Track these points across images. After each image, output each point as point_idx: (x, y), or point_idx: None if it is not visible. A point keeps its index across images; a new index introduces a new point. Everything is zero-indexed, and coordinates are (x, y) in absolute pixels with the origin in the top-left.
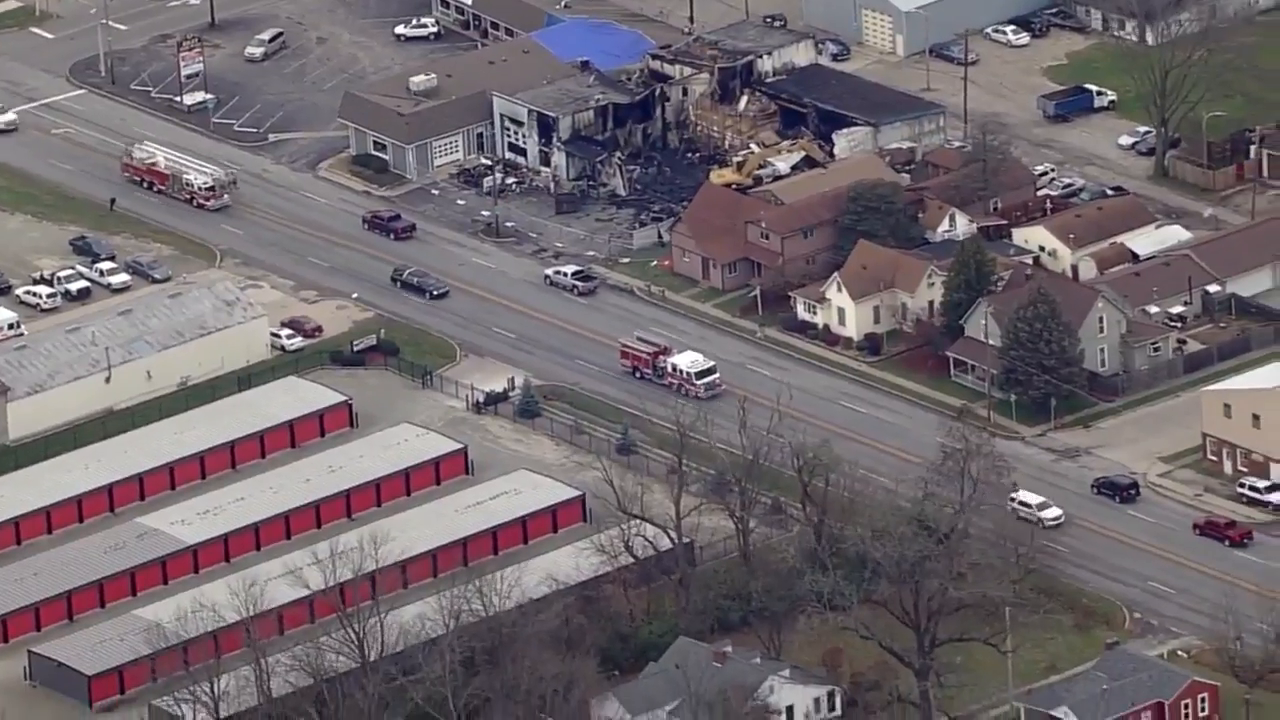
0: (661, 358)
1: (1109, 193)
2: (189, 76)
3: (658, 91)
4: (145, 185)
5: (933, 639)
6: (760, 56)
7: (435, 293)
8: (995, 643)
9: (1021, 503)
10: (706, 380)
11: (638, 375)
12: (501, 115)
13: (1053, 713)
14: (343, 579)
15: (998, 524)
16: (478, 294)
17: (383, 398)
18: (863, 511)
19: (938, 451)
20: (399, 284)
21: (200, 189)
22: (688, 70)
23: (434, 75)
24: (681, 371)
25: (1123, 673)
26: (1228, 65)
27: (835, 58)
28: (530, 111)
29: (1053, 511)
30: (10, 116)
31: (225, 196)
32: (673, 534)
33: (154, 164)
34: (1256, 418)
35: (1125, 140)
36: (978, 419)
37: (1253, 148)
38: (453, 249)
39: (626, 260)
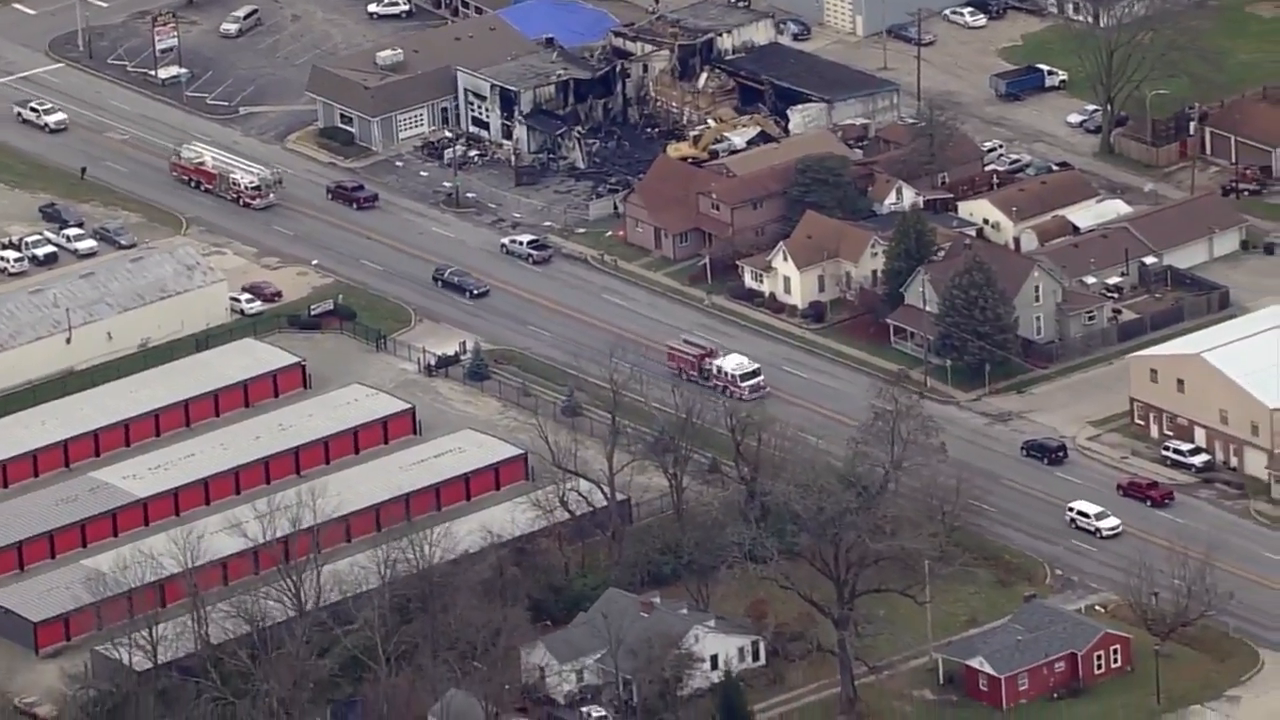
0: (707, 360)
1: (1054, 168)
2: (164, 51)
3: (618, 68)
4: (193, 185)
5: (852, 590)
6: (720, 35)
7: (475, 292)
8: (913, 594)
9: (1080, 513)
10: (751, 382)
11: (684, 377)
12: (465, 90)
13: (969, 662)
14: (283, 532)
15: (925, 483)
16: (436, 262)
17: (337, 360)
18: (793, 469)
19: (869, 412)
20: (439, 283)
21: (246, 188)
22: (649, 47)
23: (400, 50)
24: (726, 374)
25: (1038, 625)
26: (1172, 45)
27: (796, 37)
28: (493, 86)
29: (1110, 521)
30: (60, 116)
31: (271, 196)
32: (606, 489)
33: (201, 164)
34: (1181, 383)
35: (1074, 118)
36: (914, 384)
37: (1192, 124)
38: (413, 219)
39: (582, 230)
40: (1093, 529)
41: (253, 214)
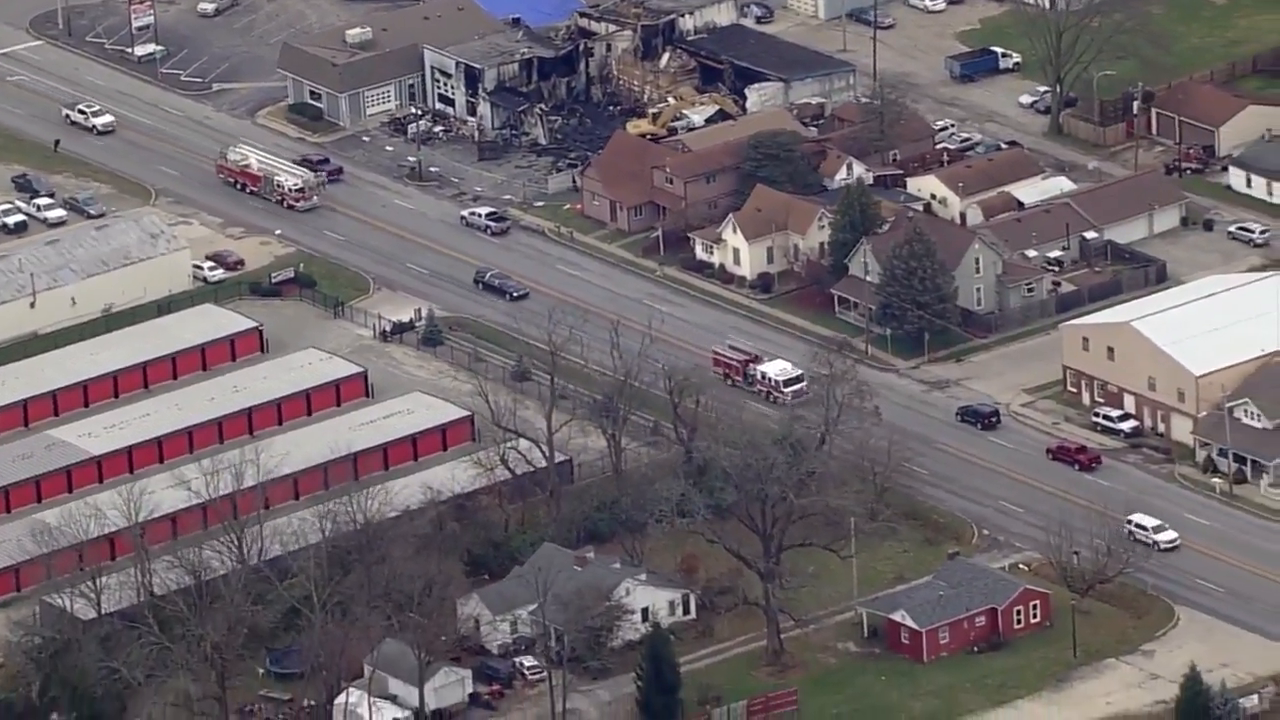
0: (751, 365)
1: (1002, 147)
2: (140, 29)
3: (582, 47)
4: (238, 187)
5: (779, 546)
6: (683, 15)
7: (515, 294)
8: (837, 549)
9: (1138, 525)
10: (794, 388)
11: (729, 382)
12: (432, 67)
13: (891, 616)
14: (227, 489)
15: (857, 445)
16: (396, 233)
17: (296, 326)
18: (724, 428)
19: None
20: (480, 285)
21: (290, 190)
22: (612, 27)
23: (369, 29)
24: (770, 379)
25: (960, 581)
26: (1118, 27)
27: (760, 20)
28: (458, 64)
29: (1168, 535)
30: (108, 119)
31: (314, 198)
32: (545, 448)
33: (247, 166)
34: (1111, 351)
35: (1025, 99)
36: (856, 352)
37: (1135, 104)
38: (377, 191)
39: (541, 204)
40: (1150, 541)
41: (219, 186)
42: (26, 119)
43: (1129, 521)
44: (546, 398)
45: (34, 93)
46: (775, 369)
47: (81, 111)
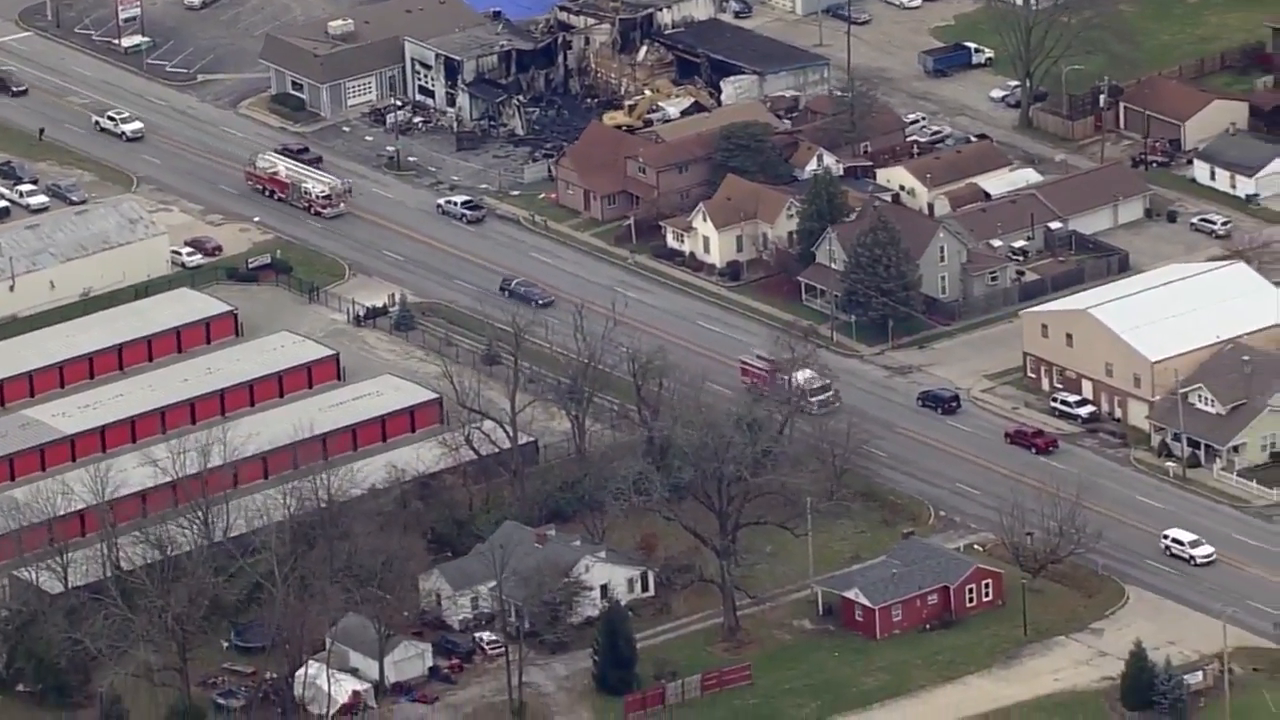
0: (778, 374)
1: (972, 140)
2: (127, 20)
3: (560, 40)
4: (267, 193)
5: (735, 524)
6: (661, 9)
7: (540, 302)
8: (791, 527)
9: (1174, 540)
10: (821, 397)
11: (758, 391)
12: (412, 59)
13: (845, 594)
14: (199, 469)
15: (815, 427)
16: (373, 220)
17: (271, 310)
18: (682, 408)
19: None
20: (506, 293)
21: (317, 197)
22: (591, 21)
23: (351, 21)
24: (796, 387)
25: (914, 560)
26: (1086, 23)
27: (738, 15)
28: (437, 56)
29: (1204, 550)
30: (137, 125)
31: (341, 205)
32: (508, 428)
33: (275, 173)
34: (1070, 337)
35: (996, 93)
36: (821, 338)
37: (1102, 98)
38: (355, 180)
39: (517, 193)
40: (1187, 556)
41: (199, 172)
42: (14, 108)
43: (1165, 536)
44: (514, 380)
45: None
46: (802, 378)
47: (111, 118)
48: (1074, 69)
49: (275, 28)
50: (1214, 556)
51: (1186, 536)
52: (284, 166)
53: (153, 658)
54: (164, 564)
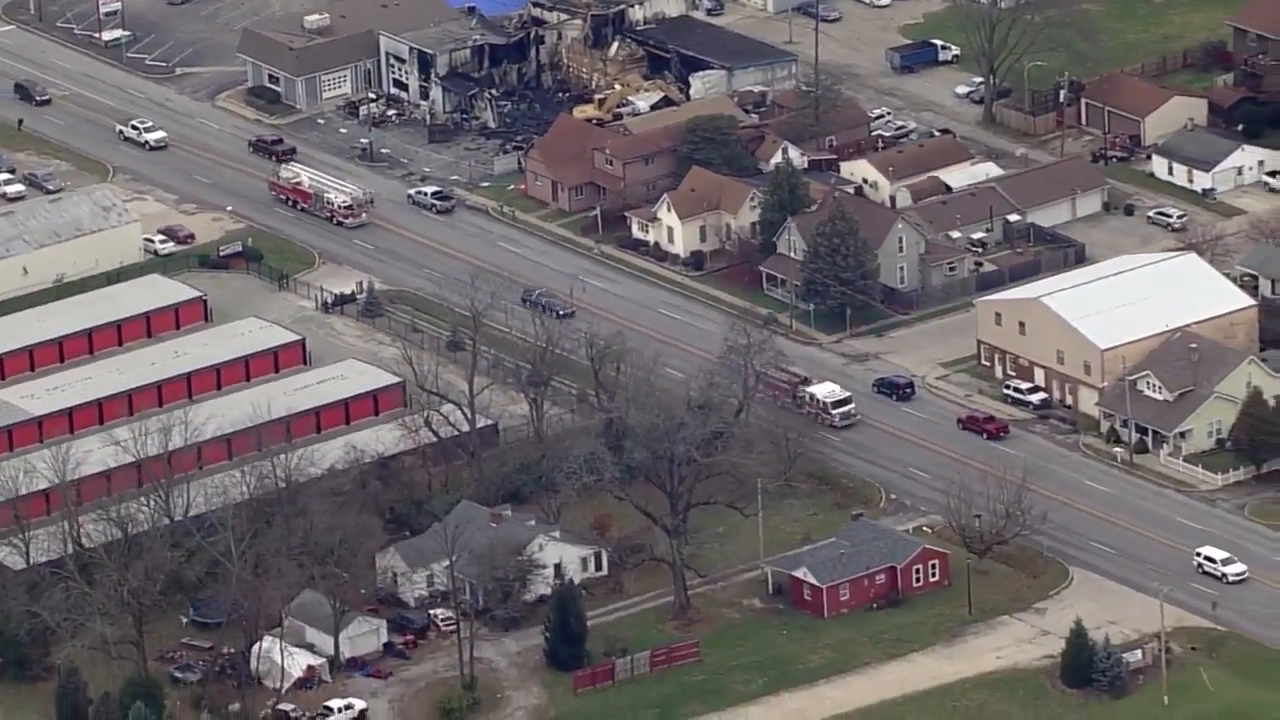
0: (801, 388)
1: (935, 134)
2: (108, 15)
3: (532, 34)
4: (290, 204)
5: (687, 504)
6: (632, 6)
7: (561, 313)
8: (740, 507)
9: (1207, 558)
10: (842, 410)
11: (779, 404)
12: (387, 53)
13: (794, 573)
14: (162, 450)
15: (771, 411)
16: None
17: (241, 297)
18: (634, 390)
19: (724, 345)
20: (527, 304)
21: (340, 207)
22: (563, 16)
23: (327, 15)
24: (818, 401)
25: (862, 541)
26: (1049, 21)
27: (710, 12)
28: (411, 50)
29: (1236, 567)
30: (160, 134)
31: (363, 215)
32: (466, 410)
33: (298, 184)
34: (1022, 325)
35: (961, 89)
36: (781, 327)
37: (1062, 93)
38: (328, 170)
39: (486, 184)
40: (1219, 574)
41: (174, 163)
42: None
43: (1197, 554)
44: (480, 367)
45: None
46: (823, 391)
47: (135, 128)
48: (1036, 65)
49: (255, 23)
50: (1246, 574)
51: (1219, 554)
52: (307, 177)
53: (109, 631)
54: (124, 541)
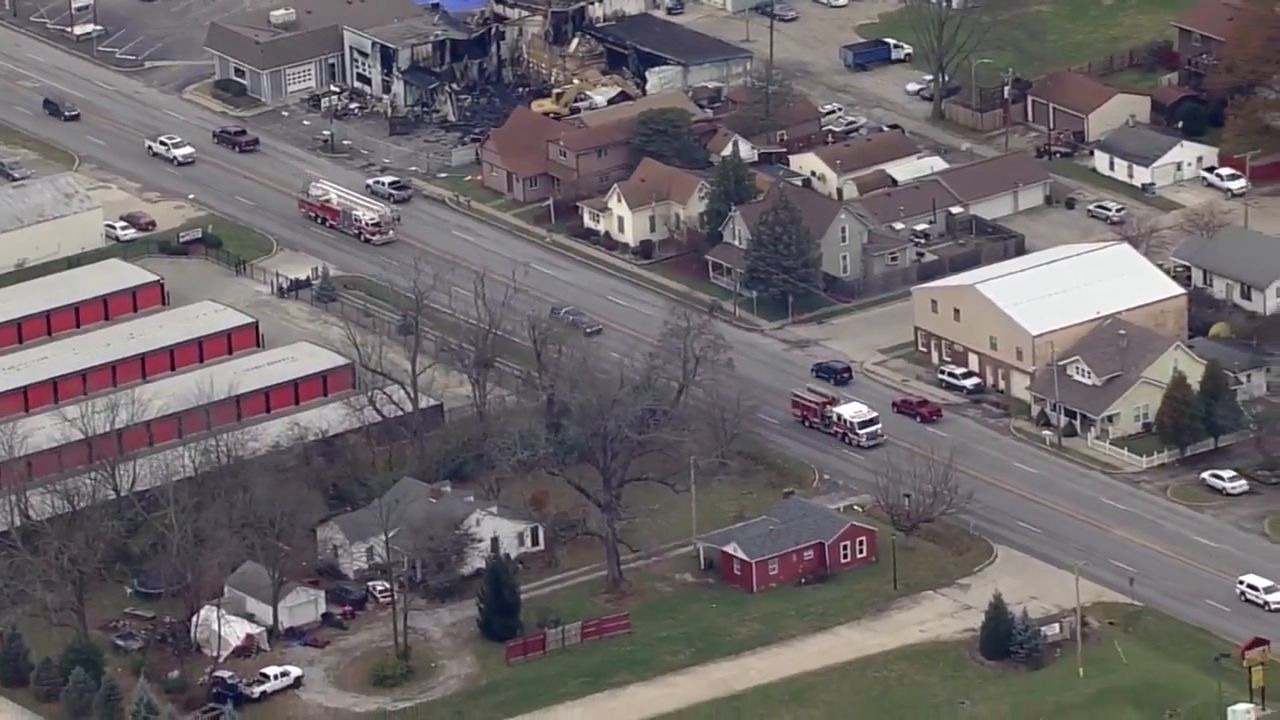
0: (828, 408)
1: (884, 129)
2: (80, 9)
3: (494, 30)
4: (319, 221)
5: (620, 480)
6: (593, 3)
7: (589, 330)
8: (672, 483)
9: (1250, 586)
10: (869, 430)
11: (806, 424)
12: (351, 47)
13: (724, 549)
14: (109, 428)
15: (709, 393)
16: (302, 199)
17: (199, 282)
18: (568, 368)
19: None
20: (555, 322)
21: (367, 224)
22: (524, 13)
23: (293, 10)
24: (845, 421)
25: (792, 518)
26: (997, 20)
27: (670, 11)
28: (374, 44)
29: (1278, 596)
30: (188, 150)
31: (390, 232)
32: (409, 389)
33: (327, 201)
34: (957, 312)
35: (912, 87)
36: (726, 313)
37: (1006, 89)
38: (290, 161)
39: (444, 175)
40: (1261, 602)
41: (139, 153)
42: None
43: (1240, 581)
44: (427, 349)
45: None
46: (851, 411)
47: (163, 143)
48: (984, 63)
49: (225, 20)
50: None
51: (1262, 583)
52: (335, 195)
53: (50, 598)
54: (71, 514)
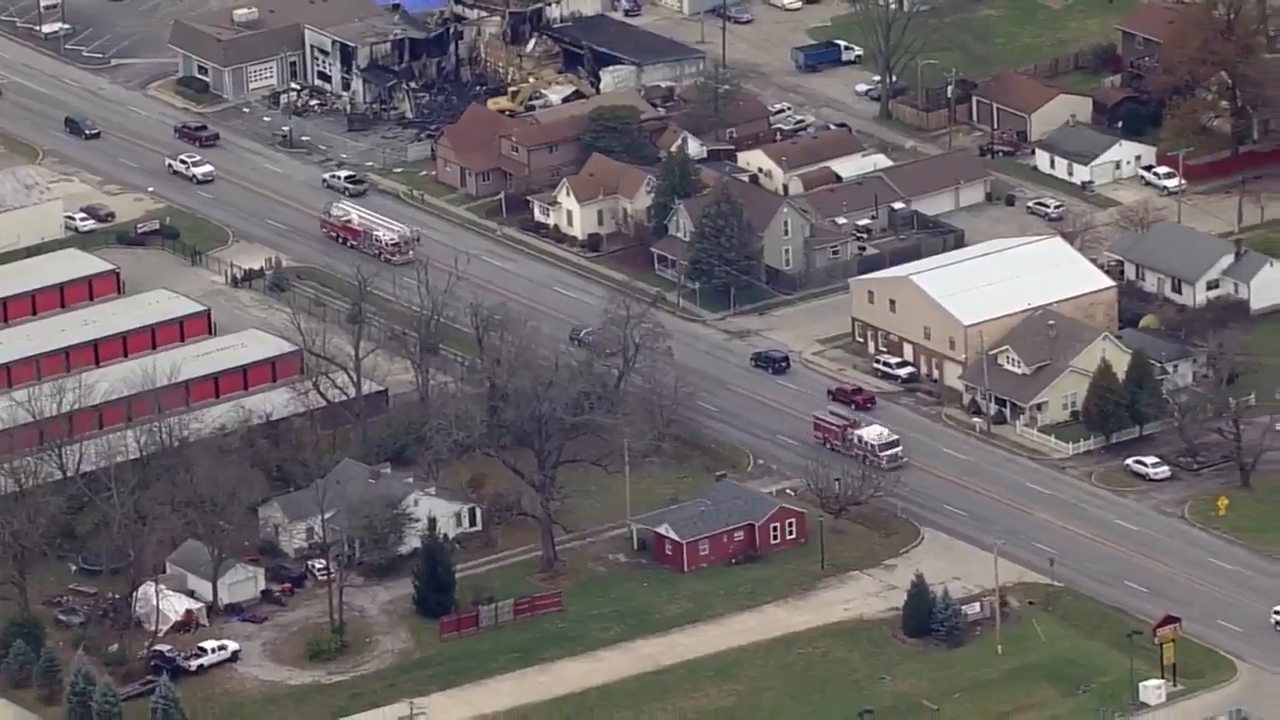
0: (850, 431)
1: (831, 128)
2: (48, 8)
3: (452, 30)
4: (340, 240)
5: (555, 461)
6: (550, 4)
7: (609, 351)
8: (604, 464)
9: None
10: (890, 452)
11: (828, 446)
12: (311, 46)
13: (657, 530)
14: (58, 411)
15: (646, 378)
16: (260, 192)
17: (155, 272)
18: (508, 353)
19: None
20: (576, 343)
21: (387, 244)
22: (483, 13)
23: (255, 9)
24: (866, 443)
25: (723, 500)
26: (944, 23)
27: (627, 13)
28: (334, 42)
29: None
30: (207, 168)
31: (410, 252)
32: (353, 374)
33: (348, 221)
34: (893, 303)
35: (861, 88)
36: (669, 305)
37: (950, 88)
38: (249, 156)
39: (399, 170)
40: None
41: (101, 147)
42: None
43: (1276, 611)
44: (375, 337)
45: None
46: (872, 433)
47: (183, 161)
48: (929, 64)
49: (192, 19)
50: None
51: None
52: (356, 215)
53: None
54: (18, 493)
